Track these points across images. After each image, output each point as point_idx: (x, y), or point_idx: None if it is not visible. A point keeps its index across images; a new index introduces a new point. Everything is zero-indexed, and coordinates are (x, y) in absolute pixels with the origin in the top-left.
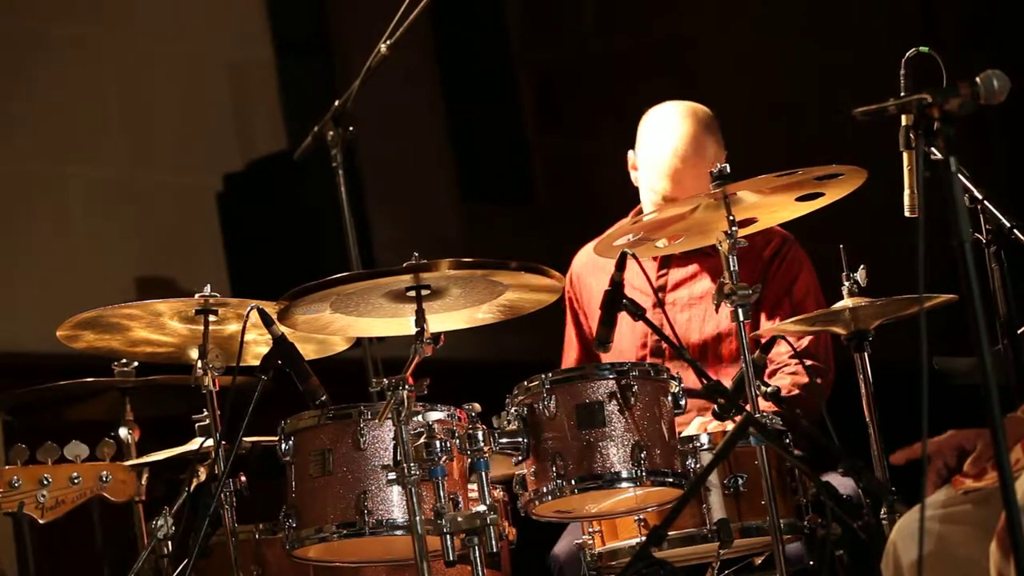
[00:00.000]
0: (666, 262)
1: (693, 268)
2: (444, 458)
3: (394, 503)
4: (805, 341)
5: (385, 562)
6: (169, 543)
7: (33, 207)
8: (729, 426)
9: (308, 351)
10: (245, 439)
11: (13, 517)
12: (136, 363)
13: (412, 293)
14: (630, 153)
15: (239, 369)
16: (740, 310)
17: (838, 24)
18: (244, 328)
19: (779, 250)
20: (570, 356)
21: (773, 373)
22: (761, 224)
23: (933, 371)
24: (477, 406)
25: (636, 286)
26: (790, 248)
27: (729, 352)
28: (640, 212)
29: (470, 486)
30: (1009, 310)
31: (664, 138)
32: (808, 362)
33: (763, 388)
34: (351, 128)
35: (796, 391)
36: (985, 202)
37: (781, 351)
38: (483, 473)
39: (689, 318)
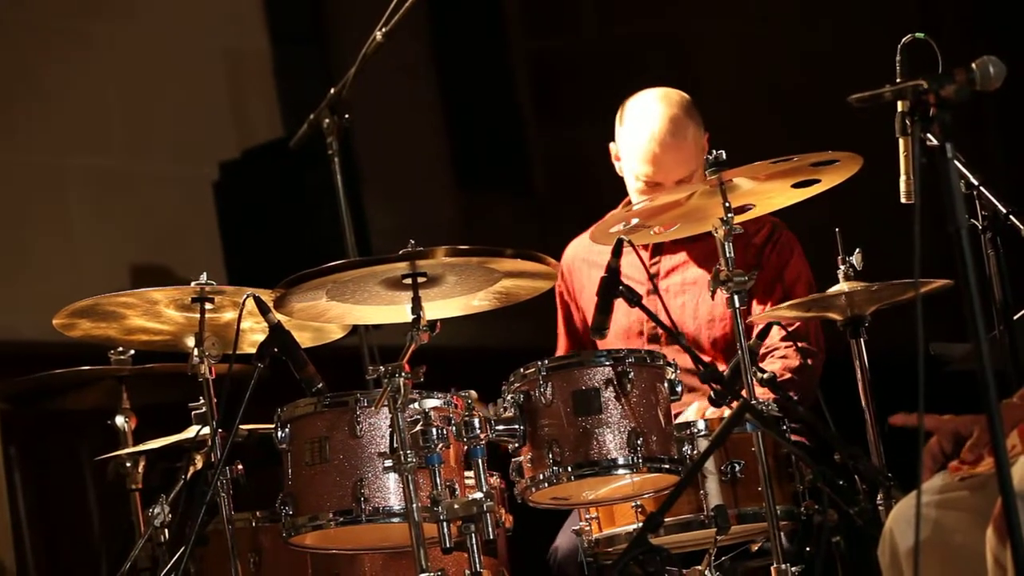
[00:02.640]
0: (658, 249)
1: (684, 255)
2: (440, 445)
3: (391, 490)
4: (795, 323)
5: (382, 549)
6: (166, 531)
7: (30, 196)
8: (727, 412)
9: (304, 339)
10: (241, 427)
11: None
12: (132, 351)
13: (408, 280)
14: (612, 145)
15: (235, 357)
16: (736, 297)
17: (835, 12)
18: (240, 316)
19: (771, 236)
20: (560, 348)
21: (764, 357)
22: (758, 210)
23: (930, 357)
24: (473, 393)
25: (630, 274)
26: (781, 234)
27: (723, 337)
28: (629, 204)
29: (467, 473)
30: (1005, 296)
31: (641, 124)
32: (800, 344)
33: (759, 374)
34: (347, 116)
35: (788, 375)
36: (981, 188)
37: (772, 334)
38: (479, 460)
39: (683, 304)
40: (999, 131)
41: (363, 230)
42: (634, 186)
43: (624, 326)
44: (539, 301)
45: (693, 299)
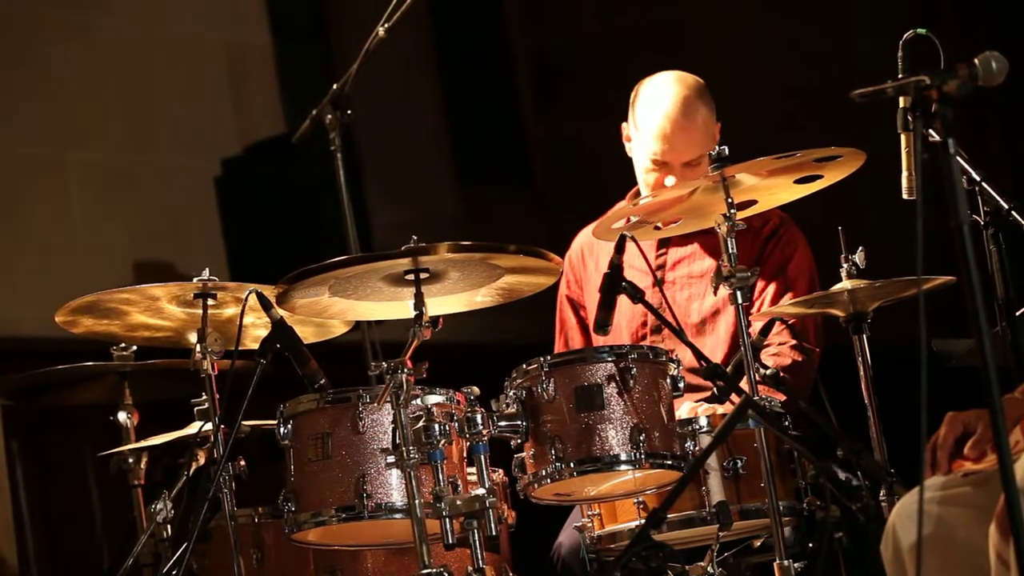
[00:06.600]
0: (665, 241)
1: (693, 247)
2: (443, 441)
3: (393, 487)
4: (793, 319)
5: (384, 545)
6: (168, 527)
7: (31, 191)
8: (720, 409)
9: (307, 334)
10: (244, 423)
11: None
12: (135, 347)
13: (411, 276)
14: (624, 125)
15: (238, 353)
16: (739, 292)
17: (836, 6)
18: (243, 312)
19: (776, 230)
20: (573, 337)
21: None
22: (760, 206)
23: (932, 353)
24: (476, 389)
25: (635, 266)
26: (787, 229)
27: (727, 329)
28: (637, 194)
29: (469, 469)
30: (1007, 292)
31: (655, 103)
32: (792, 341)
33: (762, 371)
34: (349, 111)
35: (780, 373)
36: (983, 184)
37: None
38: (482, 456)
39: (689, 296)
40: (1001, 126)
41: (365, 226)
42: (643, 165)
43: (628, 316)
44: (542, 297)
45: (700, 291)
